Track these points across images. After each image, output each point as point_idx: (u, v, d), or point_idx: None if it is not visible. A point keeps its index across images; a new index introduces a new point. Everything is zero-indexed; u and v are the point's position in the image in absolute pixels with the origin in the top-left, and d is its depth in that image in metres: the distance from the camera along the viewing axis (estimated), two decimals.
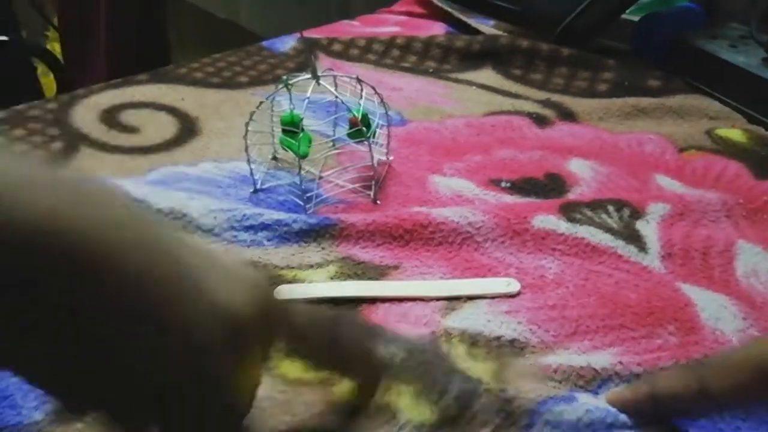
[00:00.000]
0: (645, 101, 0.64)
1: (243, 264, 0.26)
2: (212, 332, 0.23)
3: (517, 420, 0.32)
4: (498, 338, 0.38)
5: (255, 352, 0.26)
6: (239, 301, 0.24)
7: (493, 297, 0.41)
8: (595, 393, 0.35)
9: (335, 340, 0.30)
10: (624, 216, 0.48)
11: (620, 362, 0.36)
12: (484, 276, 0.43)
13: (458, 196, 0.51)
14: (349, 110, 0.50)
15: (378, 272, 0.43)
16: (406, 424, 0.32)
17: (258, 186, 0.51)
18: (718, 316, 0.40)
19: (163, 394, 0.23)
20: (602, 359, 0.37)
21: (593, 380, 0.35)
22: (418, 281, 0.43)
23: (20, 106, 0.62)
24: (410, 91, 0.68)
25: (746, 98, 0.63)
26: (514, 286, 0.42)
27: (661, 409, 0.32)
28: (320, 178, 0.53)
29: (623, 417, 0.33)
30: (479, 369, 0.35)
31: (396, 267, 0.44)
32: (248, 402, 0.26)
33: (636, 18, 0.75)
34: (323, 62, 0.73)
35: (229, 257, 0.26)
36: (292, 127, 0.49)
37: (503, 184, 0.53)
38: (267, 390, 0.34)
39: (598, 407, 0.33)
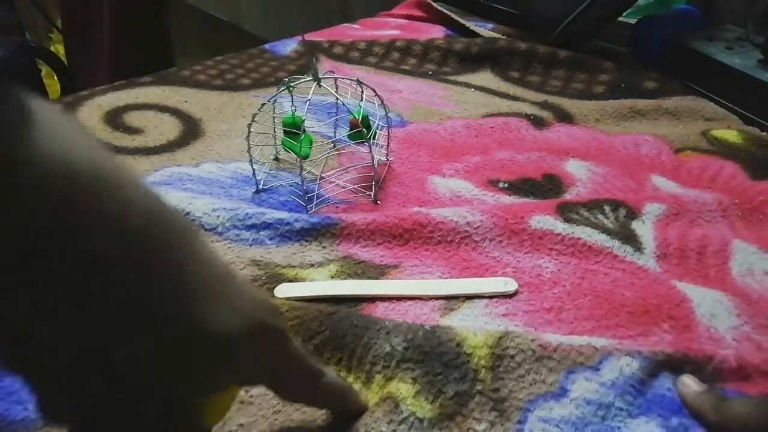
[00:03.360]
0: (641, 103, 0.65)
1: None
2: (230, 334, 0.23)
3: (511, 416, 0.33)
4: None
5: (243, 370, 0.25)
6: (256, 314, 0.25)
7: (490, 296, 0.42)
8: (596, 370, 0.35)
9: (318, 380, 0.30)
10: (620, 216, 0.48)
11: (620, 343, 0.37)
12: (482, 275, 0.43)
13: (457, 196, 0.52)
14: (350, 112, 0.50)
15: (378, 271, 0.44)
16: (408, 417, 0.33)
17: (260, 186, 0.52)
18: (713, 312, 0.40)
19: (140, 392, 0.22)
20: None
21: (592, 356, 0.35)
22: (417, 280, 0.43)
23: None
24: (410, 93, 0.69)
25: (742, 100, 0.64)
26: (511, 285, 0.42)
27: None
28: (321, 178, 0.54)
29: (616, 405, 0.34)
30: (476, 354, 0.35)
31: (395, 266, 0.44)
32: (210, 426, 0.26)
33: (633, 21, 0.76)
34: (324, 65, 0.74)
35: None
36: (293, 129, 0.49)
37: (501, 185, 0.53)
38: (262, 392, 0.35)
39: (588, 400, 0.34)
